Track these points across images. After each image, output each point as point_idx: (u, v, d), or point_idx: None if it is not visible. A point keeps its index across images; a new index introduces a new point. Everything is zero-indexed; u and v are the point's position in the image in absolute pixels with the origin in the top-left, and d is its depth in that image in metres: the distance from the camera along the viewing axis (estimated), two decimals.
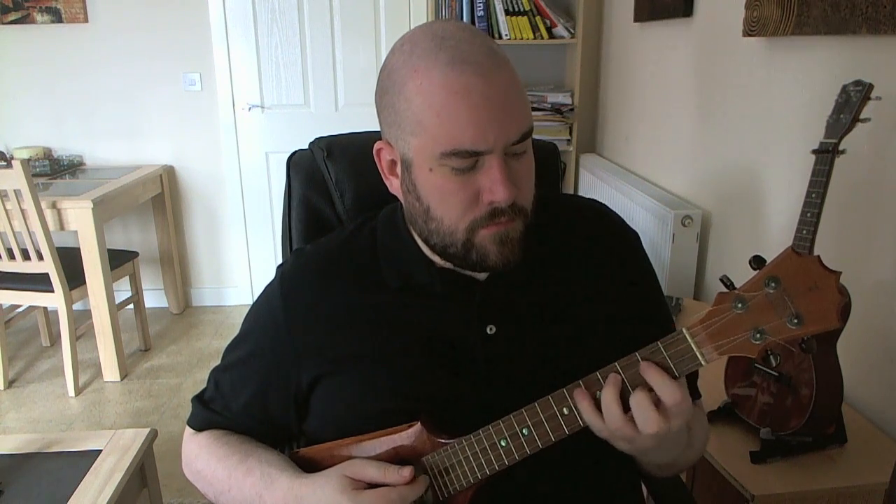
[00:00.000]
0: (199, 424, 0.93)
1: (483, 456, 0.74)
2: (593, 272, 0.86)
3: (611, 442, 0.71)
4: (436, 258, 0.82)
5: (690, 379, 0.92)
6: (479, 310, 0.81)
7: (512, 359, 0.80)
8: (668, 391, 0.66)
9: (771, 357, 0.70)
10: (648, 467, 0.86)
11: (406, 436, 0.77)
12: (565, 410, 0.70)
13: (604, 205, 0.95)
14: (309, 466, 0.82)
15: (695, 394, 0.93)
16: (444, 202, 0.74)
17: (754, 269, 0.64)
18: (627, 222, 0.94)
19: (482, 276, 0.82)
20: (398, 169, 0.79)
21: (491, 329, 0.80)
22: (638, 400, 0.67)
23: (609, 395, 0.68)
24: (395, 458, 0.78)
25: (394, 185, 0.82)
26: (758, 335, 0.63)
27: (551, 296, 0.83)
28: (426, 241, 0.80)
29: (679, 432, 0.69)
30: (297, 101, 3.38)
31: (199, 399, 0.94)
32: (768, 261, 0.64)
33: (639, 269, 0.91)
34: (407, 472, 0.73)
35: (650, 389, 0.67)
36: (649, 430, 0.66)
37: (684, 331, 0.66)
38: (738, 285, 0.66)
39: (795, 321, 0.61)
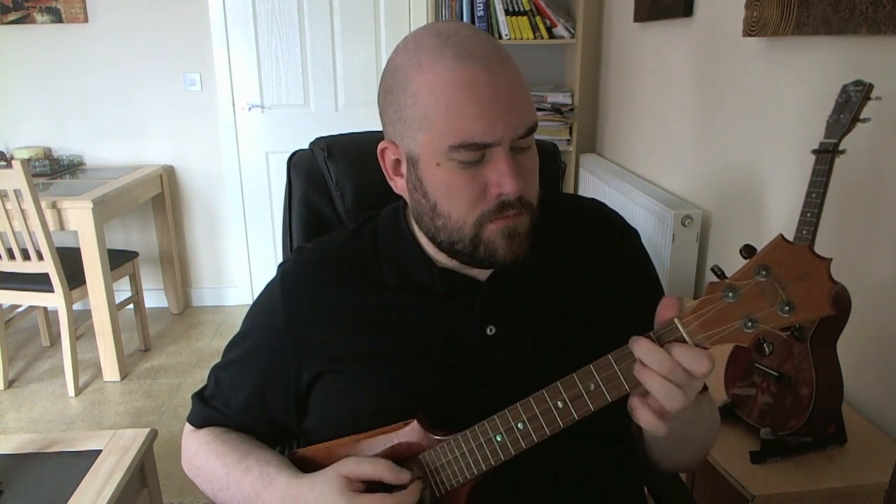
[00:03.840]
0: (198, 421, 0.93)
1: (479, 451, 0.74)
2: (594, 273, 0.86)
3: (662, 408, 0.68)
4: (438, 257, 0.82)
5: None
6: (480, 310, 0.81)
7: (511, 360, 0.80)
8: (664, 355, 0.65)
9: (764, 345, 0.69)
10: (662, 457, 0.86)
11: (403, 433, 0.77)
12: (559, 404, 0.70)
13: (604, 204, 0.95)
14: (307, 467, 0.82)
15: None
16: (451, 197, 0.74)
17: (745, 257, 0.64)
18: (627, 221, 0.93)
19: (483, 276, 0.82)
20: (403, 168, 0.79)
21: (491, 330, 0.80)
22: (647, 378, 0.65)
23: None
24: (393, 455, 0.78)
25: (398, 185, 0.81)
26: (749, 324, 0.63)
27: (552, 297, 0.83)
28: (433, 240, 0.80)
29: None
30: (297, 101, 3.37)
31: (199, 396, 0.94)
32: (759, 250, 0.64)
33: (640, 268, 0.91)
34: (406, 475, 0.73)
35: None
36: (676, 405, 0.64)
37: (676, 321, 0.66)
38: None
39: (787, 309, 0.61)
